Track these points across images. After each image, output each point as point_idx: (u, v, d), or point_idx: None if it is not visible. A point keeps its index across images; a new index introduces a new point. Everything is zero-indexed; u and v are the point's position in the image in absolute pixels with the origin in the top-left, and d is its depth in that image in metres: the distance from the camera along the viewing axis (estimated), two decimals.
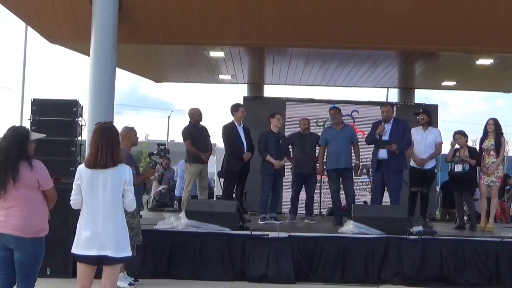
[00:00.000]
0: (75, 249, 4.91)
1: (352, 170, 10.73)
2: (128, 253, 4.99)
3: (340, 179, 10.61)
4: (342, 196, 10.79)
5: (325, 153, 10.76)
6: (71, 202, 5.02)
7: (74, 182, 5.01)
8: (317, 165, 10.83)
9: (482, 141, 10.29)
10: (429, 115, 10.63)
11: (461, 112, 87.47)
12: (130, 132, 8.08)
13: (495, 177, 10.17)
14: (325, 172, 11.01)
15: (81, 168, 5.00)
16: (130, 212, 7.71)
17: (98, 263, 4.91)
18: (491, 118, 10.32)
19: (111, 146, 4.95)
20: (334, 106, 11.10)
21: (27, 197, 5.09)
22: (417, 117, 10.55)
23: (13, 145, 5.08)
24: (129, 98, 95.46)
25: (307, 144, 10.87)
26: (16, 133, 5.24)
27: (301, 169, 10.76)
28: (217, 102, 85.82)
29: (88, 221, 4.88)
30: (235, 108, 10.74)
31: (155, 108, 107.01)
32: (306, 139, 10.92)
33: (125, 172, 4.99)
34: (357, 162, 10.65)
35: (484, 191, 10.31)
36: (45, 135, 5.69)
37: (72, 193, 5.01)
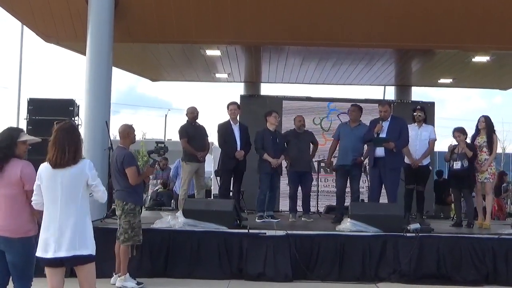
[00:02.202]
0: (37, 252, 4.77)
1: (361, 169, 10.76)
2: (86, 251, 4.76)
3: (348, 177, 10.62)
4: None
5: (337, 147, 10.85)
6: (32, 203, 4.92)
7: (35, 183, 4.89)
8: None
9: (474, 138, 10.34)
10: (425, 112, 10.73)
11: (459, 109, 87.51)
12: (131, 130, 8.09)
13: (489, 173, 10.20)
14: (331, 167, 11.08)
15: (42, 168, 4.86)
16: (132, 212, 7.77)
17: (60, 264, 4.76)
18: (482, 116, 10.38)
19: (75, 145, 4.85)
20: (355, 104, 11.08)
21: (13, 197, 5.08)
22: (414, 113, 10.61)
23: None
24: (127, 97, 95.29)
25: (303, 142, 10.89)
26: (1, 133, 5.30)
27: (297, 167, 10.76)
28: (215, 100, 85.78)
29: (47, 222, 4.76)
30: (226, 107, 10.78)
31: (153, 107, 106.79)
32: (301, 137, 10.92)
33: (85, 168, 4.85)
34: (361, 158, 10.62)
35: (478, 188, 10.33)
36: (39, 140, 5.65)
37: (33, 194, 4.90)
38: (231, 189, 10.93)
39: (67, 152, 4.79)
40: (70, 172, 4.78)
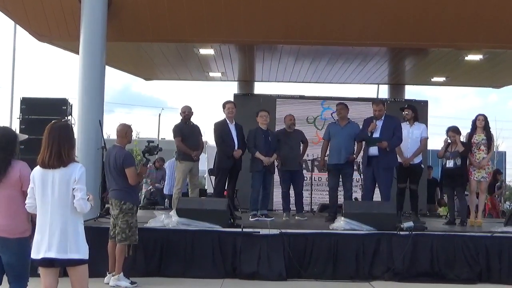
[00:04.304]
0: (32, 253, 4.78)
1: (353, 167, 10.79)
2: (77, 255, 4.73)
3: (340, 176, 10.64)
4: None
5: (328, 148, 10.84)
6: (25, 206, 4.89)
7: (29, 186, 4.86)
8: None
9: (470, 136, 10.33)
10: (415, 110, 10.79)
11: (454, 107, 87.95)
12: (129, 130, 8.08)
13: (486, 172, 10.23)
14: (324, 167, 11.08)
15: (35, 170, 4.82)
16: (130, 211, 7.74)
17: (50, 265, 4.75)
18: (481, 114, 10.40)
19: (58, 145, 4.75)
20: (341, 102, 11.11)
21: (12, 197, 5.06)
22: (403, 112, 10.67)
23: (2, 146, 5.09)
24: (122, 96, 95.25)
25: (293, 141, 10.93)
26: (4, 134, 5.24)
27: (288, 166, 10.79)
28: (209, 99, 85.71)
29: (39, 224, 4.75)
30: (223, 106, 10.79)
31: (148, 106, 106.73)
32: (292, 136, 10.96)
33: (75, 170, 4.75)
34: (353, 156, 10.66)
35: (474, 187, 10.35)
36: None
37: (27, 197, 4.88)
38: (226, 188, 10.93)
39: (55, 152, 4.74)
40: (60, 174, 4.73)
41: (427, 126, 11.51)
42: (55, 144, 4.77)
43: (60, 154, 4.75)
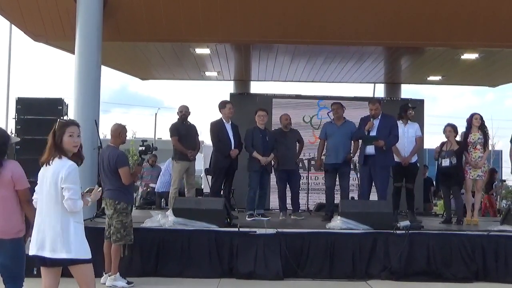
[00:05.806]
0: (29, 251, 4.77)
1: (350, 166, 10.80)
2: (68, 255, 4.59)
3: (337, 175, 10.64)
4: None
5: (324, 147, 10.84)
6: (33, 202, 4.91)
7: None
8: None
9: (466, 135, 10.34)
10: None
11: (451, 106, 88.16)
12: (123, 130, 8.06)
13: (482, 171, 10.24)
14: (321, 167, 11.07)
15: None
16: (124, 211, 7.73)
17: (43, 264, 4.68)
18: (476, 113, 10.40)
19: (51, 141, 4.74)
20: (336, 102, 11.10)
21: (5, 198, 5.06)
22: (408, 112, 10.64)
23: None
24: (120, 96, 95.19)
25: (289, 141, 10.92)
26: None
27: (284, 165, 10.79)
28: (205, 98, 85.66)
29: (36, 221, 4.73)
30: (222, 105, 10.75)
31: (144, 106, 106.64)
32: (288, 135, 10.96)
33: (63, 168, 4.62)
34: (350, 155, 10.66)
35: (470, 186, 10.35)
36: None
37: (34, 193, 4.87)
38: (222, 187, 10.92)
39: (47, 149, 4.73)
40: (50, 171, 4.68)
41: (423, 125, 11.52)
42: (47, 141, 4.76)
43: (48, 150, 4.73)
